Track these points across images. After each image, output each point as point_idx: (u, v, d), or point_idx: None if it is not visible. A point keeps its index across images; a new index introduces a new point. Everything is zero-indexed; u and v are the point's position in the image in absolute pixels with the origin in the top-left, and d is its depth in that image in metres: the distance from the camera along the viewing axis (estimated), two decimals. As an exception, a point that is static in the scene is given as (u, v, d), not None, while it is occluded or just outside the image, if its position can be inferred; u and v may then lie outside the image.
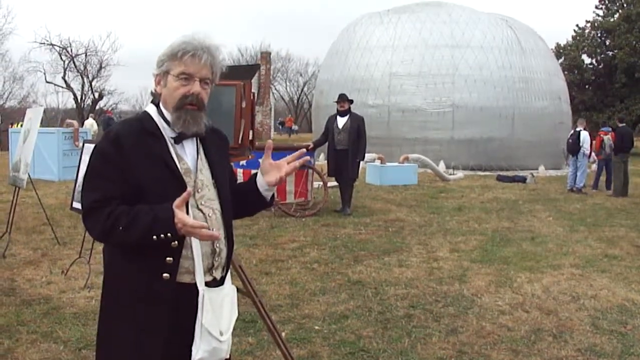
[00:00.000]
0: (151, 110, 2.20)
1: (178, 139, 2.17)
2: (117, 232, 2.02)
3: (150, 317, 2.10)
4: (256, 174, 2.38)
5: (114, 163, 2.05)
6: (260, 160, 2.35)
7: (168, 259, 2.08)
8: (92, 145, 6.19)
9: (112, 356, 2.17)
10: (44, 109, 9.58)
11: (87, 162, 2.15)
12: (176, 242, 2.06)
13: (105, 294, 2.23)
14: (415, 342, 4.54)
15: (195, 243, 2.12)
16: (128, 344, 2.12)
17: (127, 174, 2.06)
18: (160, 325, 2.10)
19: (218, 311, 2.20)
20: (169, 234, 2.00)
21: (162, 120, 2.17)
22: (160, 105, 2.19)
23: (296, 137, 45.31)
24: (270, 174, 2.33)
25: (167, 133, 2.16)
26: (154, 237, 2.00)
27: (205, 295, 2.14)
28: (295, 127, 54.50)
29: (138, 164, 2.06)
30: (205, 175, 2.22)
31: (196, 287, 2.14)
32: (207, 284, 2.17)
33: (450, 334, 4.73)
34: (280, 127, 53.87)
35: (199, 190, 2.19)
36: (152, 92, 2.24)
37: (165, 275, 2.08)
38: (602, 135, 15.49)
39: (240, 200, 2.38)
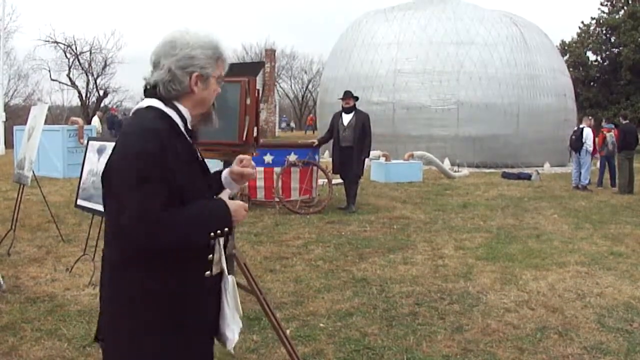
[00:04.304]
0: (160, 106, 2.06)
1: (193, 137, 2.14)
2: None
3: (191, 317, 2.08)
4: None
5: (162, 164, 1.94)
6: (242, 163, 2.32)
7: (210, 256, 2.11)
8: (99, 143, 6.19)
9: None
10: (48, 107, 9.58)
11: (125, 165, 1.94)
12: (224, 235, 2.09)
13: (131, 310, 2.02)
14: (420, 339, 4.52)
15: None
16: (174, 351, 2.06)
17: (170, 174, 1.96)
18: (200, 322, 2.13)
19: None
20: (225, 228, 2.05)
21: (177, 118, 2.08)
22: (179, 102, 2.09)
23: (300, 135, 45.23)
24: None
25: (184, 131, 2.11)
26: (212, 233, 2.02)
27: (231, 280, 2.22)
28: (292, 125, 55.13)
29: (177, 163, 1.99)
30: None
31: (214, 277, 2.17)
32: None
33: (455, 331, 4.71)
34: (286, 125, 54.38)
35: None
36: (151, 87, 2.09)
37: (207, 273, 2.11)
38: (604, 132, 15.41)
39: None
